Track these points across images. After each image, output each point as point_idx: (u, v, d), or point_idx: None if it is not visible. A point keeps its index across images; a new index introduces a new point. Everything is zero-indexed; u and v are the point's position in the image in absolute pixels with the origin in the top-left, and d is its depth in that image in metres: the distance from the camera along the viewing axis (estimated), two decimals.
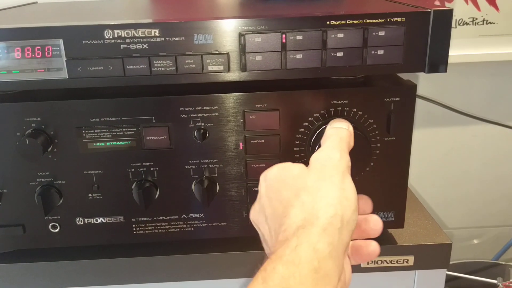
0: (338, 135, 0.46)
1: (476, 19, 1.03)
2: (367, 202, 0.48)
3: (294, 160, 0.57)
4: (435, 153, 1.13)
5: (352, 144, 0.47)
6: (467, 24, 1.03)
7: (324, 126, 0.55)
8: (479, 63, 1.03)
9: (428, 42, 0.52)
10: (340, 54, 0.52)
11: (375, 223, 0.46)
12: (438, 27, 0.52)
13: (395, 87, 0.56)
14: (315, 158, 0.44)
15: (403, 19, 0.51)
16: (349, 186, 0.41)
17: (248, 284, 0.36)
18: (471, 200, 1.20)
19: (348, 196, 0.40)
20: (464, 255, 1.20)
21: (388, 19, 0.51)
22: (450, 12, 0.52)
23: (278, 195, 0.42)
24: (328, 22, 0.51)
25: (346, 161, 0.43)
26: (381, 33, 0.51)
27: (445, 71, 0.54)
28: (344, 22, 0.51)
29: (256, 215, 0.45)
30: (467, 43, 1.02)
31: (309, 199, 0.40)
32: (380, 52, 0.52)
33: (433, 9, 0.51)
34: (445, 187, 1.17)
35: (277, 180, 0.43)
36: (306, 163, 0.57)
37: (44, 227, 0.60)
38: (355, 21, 0.51)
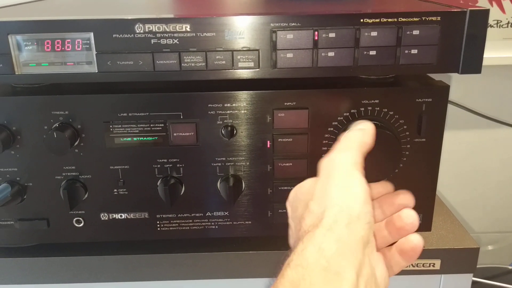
0: (346, 137, 0.45)
1: (501, 21, 1.02)
2: (405, 197, 0.47)
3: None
4: (454, 156, 1.12)
5: (369, 142, 0.45)
6: (491, 26, 1.01)
7: None
8: (503, 66, 1.01)
9: (463, 42, 0.51)
10: (372, 52, 0.51)
11: (407, 217, 0.44)
12: (473, 27, 0.51)
13: (428, 88, 0.55)
14: (321, 165, 0.43)
15: (439, 18, 0.50)
16: (355, 182, 0.40)
17: None
18: (488, 204, 1.18)
19: (354, 190, 0.39)
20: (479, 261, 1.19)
21: (423, 18, 0.50)
22: (486, 12, 0.51)
23: (296, 214, 0.43)
24: (361, 20, 0.50)
25: (351, 158, 0.41)
26: (416, 32, 0.50)
27: (479, 72, 0.53)
28: (378, 20, 0.50)
29: (291, 240, 0.45)
30: (491, 45, 1.01)
31: (316, 206, 0.39)
32: (414, 51, 0.51)
33: (469, 8, 0.50)
34: (461, 190, 1.16)
35: (294, 200, 0.44)
36: None
37: (69, 222, 0.59)
38: (389, 20, 0.50)
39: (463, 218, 1.18)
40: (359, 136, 0.45)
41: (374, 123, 0.53)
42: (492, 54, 1.01)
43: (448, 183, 1.12)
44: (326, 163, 0.42)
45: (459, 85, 1.04)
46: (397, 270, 0.43)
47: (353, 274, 0.35)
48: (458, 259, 0.63)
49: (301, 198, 0.43)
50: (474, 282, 1.03)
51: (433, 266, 0.62)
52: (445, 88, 0.55)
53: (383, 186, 0.50)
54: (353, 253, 0.36)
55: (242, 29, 0.50)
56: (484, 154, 1.13)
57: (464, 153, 1.12)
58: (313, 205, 0.40)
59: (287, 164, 0.57)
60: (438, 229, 0.65)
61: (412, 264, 0.62)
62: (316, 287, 0.33)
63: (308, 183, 0.43)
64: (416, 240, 0.43)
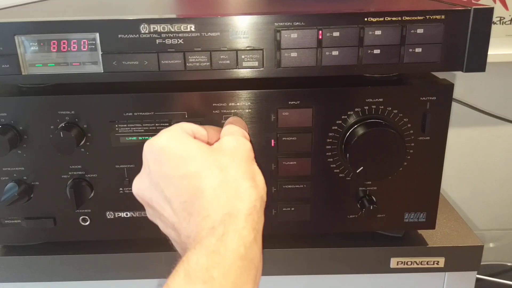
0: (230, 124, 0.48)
1: (504, 18, 1.01)
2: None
3: (326, 159, 0.57)
4: (457, 153, 1.12)
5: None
6: (494, 23, 1.01)
7: (358, 124, 0.54)
8: (506, 63, 1.01)
9: (467, 40, 0.51)
10: (377, 51, 0.51)
11: None
12: (478, 25, 0.51)
13: (432, 86, 0.55)
14: (223, 135, 0.44)
15: (443, 16, 0.50)
16: (257, 171, 0.42)
17: (169, 277, 0.35)
18: (490, 202, 1.18)
19: (259, 181, 0.41)
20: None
21: (427, 16, 0.50)
22: (490, 10, 0.51)
23: (177, 171, 0.39)
24: (365, 19, 0.50)
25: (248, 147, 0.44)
26: (420, 30, 0.51)
27: (484, 70, 0.53)
28: (382, 19, 0.50)
29: (146, 191, 0.42)
30: (494, 42, 1.00)
31: (227, 178, 0.39)
32: (418, 50, 0.51)
33: (474, 7, 0.51)
34: (464, 188, 1.16)
35: (171, 154, 0.40)
36: (337, 162, 0.57)
37: (75, 220, 0.60)
38: (393, 18, 0.50)
39: (466, 215, 1.18)
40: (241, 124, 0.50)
41: (378, 121, 0.54)
42: (495, 51, 1.01)
43: (451, 180, 1.12)
44: (227, 141, 0.43)
45: (462, 82, 1.04)
46: None
47: (260, 260, 0.38)
48: (462, 257, 0.63)
49: (191, 156, 0.40)
50: (477, 280, 1.03)
51: (437, 264, 0.62)
52: (449, 87, 0.55)
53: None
54: (260, 239, 0.38)
55: (246, 29, 0.51)
56: (487, 151, 1.13)
57: (467, 150, 1.12)
58: (222, 175, 0.39)
59: (292, 163, 0.57)
60: (442, 227, 0.66)
61: (416, 262, 0.62)
62: (229, 277, 0.34)
63: (195, 144, 0.41)
64: None
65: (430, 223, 0.61)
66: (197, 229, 0.37)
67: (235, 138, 0.44)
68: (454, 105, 1.02)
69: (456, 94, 1.02)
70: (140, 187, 0.44)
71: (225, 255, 0.34)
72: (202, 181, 0.38)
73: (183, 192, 0.39)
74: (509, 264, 1.17)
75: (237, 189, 0.38)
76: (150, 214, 0.45)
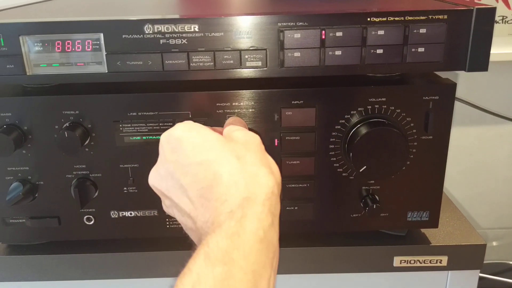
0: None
1: (506, 17, 1.02)
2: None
3: (329, 159, 0.57)
4: (459, 152, 1.12)
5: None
6: (496, 22, 1.01)
7: (361, 124, 0.55)
8: (508, 62, 1.01)
9: (470, 40, 0.51)
10: (380, 51, 0.51)
11: None
12: (480, 25, 0.51)
13: (435, 86, 0.55)
14: (231, 133, 0.44)
15: (445, 16, 0.50)
16: (270, 160, 0.43)
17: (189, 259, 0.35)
18: (493, 200, 1.18)
19: (274, 168, 0.41)
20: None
21: (430, 16, 0.50)
22: (493, 10, 0.51)
23: (194, 158, 0.40)
24: (368, 19, 0.50)
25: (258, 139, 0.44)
26: (422, 30, 0.51)
27: (486, 69, 0.53)
28: (385, 19, 0.50)
29: (163, 182, 0.43)
30: (497, 41, 1.00)
31: (245, 166, 0.39)
32: (421, 49, 0.51)
33: (476, 6, 0.51)
34: (466, 187, 1.16)
35: (188, 142, 0.41)
36: (340, 161, 0.57)
37: (79, 220, 0.60)
38: (396, 18, 0.50)
39: (469, 214, 1.18)
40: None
41: (381, 121, 0.54)
42: (497, 50, 1.01)
43: (453, 179, 1.13)
44: (237, 131, 0.44)
45: (465, 81, 1.04)
46: None
47: (277, 243, 0.38)
48: (465, 256, 0.63)
49: (207, 145, 0.41)
50: (480, 278, 1.03)
51: (440, 262, 0.62)
52: (452, 86, 0.55)
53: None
54: (277, 223, 0.38)
55: (250, 29, 0.51)
56: (490, 151, 1.13)
57: (470, 149, 1.12)
58: (239, 163, 0.39)
59: (295, 162, 0.57)
60: (445, 226, 0.66)
61: (419, 260, 0.62)
62: (249, 258, 0.34)
63: (212, 135, 0.42)
64: None
65: (433, 222, 0.61)
66: (215, 214, 0.37)
67: (245, 132, 0.44)
68: (457, 104, 1.02)
69: (459, 93, 1.02)
70: (156, 178, 0.44)
71: (244, 237, 0.34)
72: (220, 168, 0.39)
73: (200, 179, 0.39)
74: (511, 262, 1.17)
75: (254, 175, 0.39)
76: (166, 206, 0.45)
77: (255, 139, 0.43)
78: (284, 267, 0.64)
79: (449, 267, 0.63)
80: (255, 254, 0.34)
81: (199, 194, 0.39)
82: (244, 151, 0.41)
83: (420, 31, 0.51)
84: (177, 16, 0.51)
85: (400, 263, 0.63)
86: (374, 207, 0.58)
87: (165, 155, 0.42)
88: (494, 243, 1.24)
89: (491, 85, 1.07)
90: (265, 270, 0.35)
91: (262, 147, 0.44)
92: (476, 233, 0.64)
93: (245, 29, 0.51)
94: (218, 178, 0.38)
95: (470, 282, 0.65)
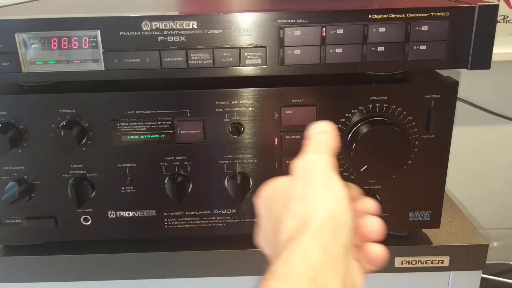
0: (315, 139, 0.43)
1: (508, 17, 1.01)
2: (368, 203, 0.44)
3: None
4: (460, 152, 1.11)
5: (335, 144, 0.42)
6: (498, 22, 1.00)
7: (362, 122, 0.54)
8: (510, 61, 1.00)
9: (472, 37, 0.51)
10: (381, 49, 0.51)
11: (371, 226, 0.41)
12: (482, 22, 0.50)
13: (437, 84, 0.54)
14: (296, 166, 0.41)
15: (447, 14, 0.50)
16: (337, 185, 0.38)
17: None
18: (494, 201, 1.17)
19: (337, 194, 0.37)
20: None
21: (432, 13, 0.50)
22: (495, 7, 0.51)
23: (270, 213, 0.40)
24: (369, 16, 0.50)
25: (328, 161, 0.40)
26: (424, 28, 0.50)
27: (489, 67, 0.52)
28: (386, 16, 0.50)
29: (261, 239, 0.43)
30: (498, 41, 1.00)
31: (297, 208, 0.37)
32: (423, 47, 0.51)
33: (479, 4, 0.50)
34: (468, 187, 1.15)
35: (268, 198, 0.41)
36: (341, 161, 0.57)
37: (76, 220, 0.59)
38: (397, 15, 0.50)
39: (470, 214, 1.17)
40: (329, 139, 0.43)
41: (382, 119, 0.54)
42: (498, 49, 1.00)
43: (455, 179, 1.12)
44: (303, 164, 0.40)
45: (466, 81, 1.03)
46: (368, 272, 0.42)
47: (339, 284, 0.34)
48: (467, 256, 0.62)
49: (277, 197, 0.40)
50: (482, 279, 1.03)
51: (442, 263, 0.62)
52: (454, 84, 0.54)
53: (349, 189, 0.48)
54: (338, 261, 0.35)
55: (249, 26, 0.50)
56: (491, 150, 1.12)
57: (472, 149, 1.12)
58: (294, 207, 0.37)
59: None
60: (446, 226, 0.65)
61: (420, 261, 0.62)
62: None
63: (284, 182, 0.41)
64: (378, 251, 0.41)
65: (435, 222, 0.60)
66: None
67: (303, 160, 0.41)
68: (459, 103, 1.01)
69: (461, 93, 1.01)
70: (257, 237, 0.44)
71: (294, 278, 0.33)
72: (281, 225, 0.38)
73: (273, 236, 0.39)
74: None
75: (303, 216, 0.36)
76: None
77: (320, 164, 0.40)
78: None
79: (451, 267, 0.62)
80: None
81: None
82: (304, 188, 0.38)
83: (422, 29, 0.50)
84: (175, 13, 0.51)
85: (402, 263, 0.62)
86: None
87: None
88: (496, 244, 1.23)
89: (493, 85, 1.06)
90: None
91: (323, 171, 0.39)
92: (478, 233, 0.64)
93: (245, 26, 0.50)
94: (280, 232, 0.37)
95: (472, 282, 0.64)
